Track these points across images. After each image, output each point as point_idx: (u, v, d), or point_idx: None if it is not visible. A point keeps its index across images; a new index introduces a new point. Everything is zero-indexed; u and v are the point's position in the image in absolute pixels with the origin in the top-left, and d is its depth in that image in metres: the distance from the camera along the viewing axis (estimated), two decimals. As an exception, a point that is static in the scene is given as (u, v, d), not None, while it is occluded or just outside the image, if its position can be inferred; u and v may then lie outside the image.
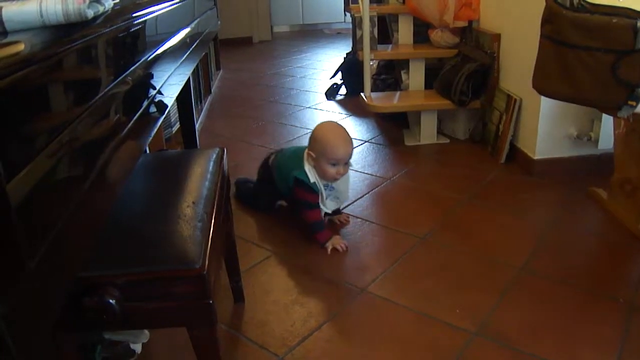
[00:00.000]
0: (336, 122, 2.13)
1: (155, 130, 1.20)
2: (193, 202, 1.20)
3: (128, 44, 1.04)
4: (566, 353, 1.44)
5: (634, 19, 1.58)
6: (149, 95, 1.15)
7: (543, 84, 1.90)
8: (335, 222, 2.16)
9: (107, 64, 0.91)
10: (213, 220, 1.16)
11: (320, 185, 2.00)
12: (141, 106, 1.07)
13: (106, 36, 0.89)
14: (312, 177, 1.98)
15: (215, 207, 1.22)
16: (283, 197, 2.25)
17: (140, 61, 1.10)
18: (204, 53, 3.50)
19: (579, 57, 1.70)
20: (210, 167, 1.41)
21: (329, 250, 1.94)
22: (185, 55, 1.64)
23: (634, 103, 1.67)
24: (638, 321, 1.55)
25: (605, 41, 1.64)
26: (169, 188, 1.30)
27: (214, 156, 1.48)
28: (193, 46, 1.80)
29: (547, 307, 1.62)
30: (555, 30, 1.75)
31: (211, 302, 1.00)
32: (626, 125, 2.04)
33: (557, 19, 1.72)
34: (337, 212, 2.19)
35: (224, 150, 1.54)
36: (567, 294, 1.68)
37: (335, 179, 1.97)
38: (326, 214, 2.10)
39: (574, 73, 1.73)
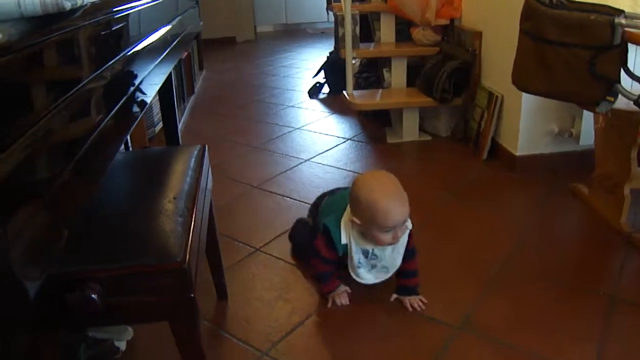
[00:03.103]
0: (382, 173, 1.62)
1: (134, 126, 1.19)
2: (174, 197, 1.20)
3: (106, 38, 1.03)
4: (548, 344, 1.45)
5: (611, 16, 1.60)
6: (127, 91, 1.14)
7: (522, 80, 1.92)
8: (406, 304, 1.63)
9: (85, 57, 0.90)
10: (194, 215, 1.16)
11: (355, 250, 1.60)
12: (118, 102, 1.06)
13: (84, 29, 0.89)
14: (345, 238, 1.59)
15: (196, 202, 1.22)
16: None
17: (119, 56, 1.10)
18: (185, 52, 3.49)
19: (557, 53, 1.72)
20: (192, 164, 1.40)
21: (330, 303, 1.65)
22: (165, 53, 1.63)
23: (612, 99, 1.69)
24: (619, 313, 1.57)
25: (582, 37, 1.66)
26: (150, 184, 1.30)
27: (195, 153, 1.48)
28: (173, 44, 1.79)
29: (529, 301, 1.64)
30: (534, 26, 1.77)
31: (192, 295, 1.00)
32: (605, 120, 2.06)
33: (536, 15, 1.74)
34: (411, 291, 1.66)
35: (205, 147, 1.53)
36: (549, 288, 1.70)
37: (392, 244, 1.56)
38: (398, 290, 1.67)
39: (553, 69, 1.75)
